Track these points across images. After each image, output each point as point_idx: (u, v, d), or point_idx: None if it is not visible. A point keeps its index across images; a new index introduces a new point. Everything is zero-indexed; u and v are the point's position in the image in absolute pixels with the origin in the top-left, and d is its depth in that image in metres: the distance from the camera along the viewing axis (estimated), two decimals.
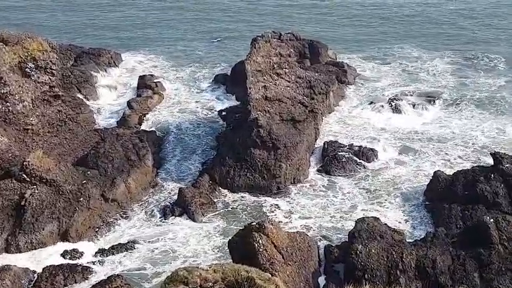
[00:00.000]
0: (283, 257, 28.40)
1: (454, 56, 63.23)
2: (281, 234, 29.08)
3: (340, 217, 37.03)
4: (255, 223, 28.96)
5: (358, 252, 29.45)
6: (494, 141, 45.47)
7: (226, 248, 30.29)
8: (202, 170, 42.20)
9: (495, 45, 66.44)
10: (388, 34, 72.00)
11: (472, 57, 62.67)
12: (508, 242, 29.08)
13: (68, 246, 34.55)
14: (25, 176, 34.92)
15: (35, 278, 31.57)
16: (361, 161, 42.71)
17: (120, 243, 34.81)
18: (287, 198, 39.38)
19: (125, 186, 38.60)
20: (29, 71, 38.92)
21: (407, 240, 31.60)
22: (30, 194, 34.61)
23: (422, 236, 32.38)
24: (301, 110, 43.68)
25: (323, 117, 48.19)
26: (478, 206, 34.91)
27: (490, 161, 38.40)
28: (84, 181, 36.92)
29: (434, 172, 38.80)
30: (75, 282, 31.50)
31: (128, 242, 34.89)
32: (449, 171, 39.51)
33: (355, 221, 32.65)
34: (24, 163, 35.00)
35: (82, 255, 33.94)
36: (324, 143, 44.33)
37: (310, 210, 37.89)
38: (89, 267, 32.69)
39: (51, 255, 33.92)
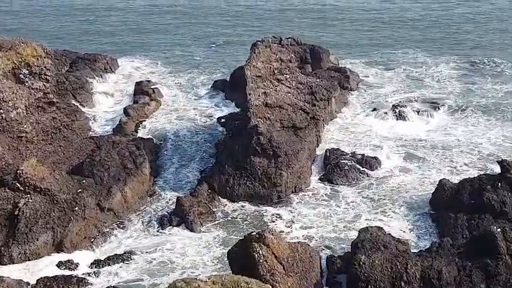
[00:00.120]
0: (284, 268, 28.41)
1: (460, 61, 63.49)
2: (282, 245, 29.10)
3: (344, 227, 37.03)
4: (255, 233, 28.98)
5: (361, 263, 29.44)
6: (501, 148, 45.57)
7: (226, 258, 30.31)
8: (200, 179, 42.25)
9: (502, 50, 66.75)
10: (391, 39, 72.30)
11: (478, 62, 62.95)
12: None
13: (63, 257, 34.53)
14: (19, 185, 34.94)
15: None
16: (364, 169, 42.79)
17: (116, 254, 34.79)
18: (288, 207, 39.42)
19: (121, 195, 38.64)
20: (22, 77, 39.08)
21: (412, 251, 31.57)
22: (24, 203, 34.63)
23: (428, 246, 32.34)
24: (303, 116, 43.78)
25: (325, 124, 48.30)
26: (485, 215, 34.92)
27: (497, 169, 38.48)
28: (80, 190, 36.96)
29: (440, 180, 38.85)
30: None
31: (125, 253, 34.87)
32: (455, 179, 39.60)
33: (358, 231, 32.65)
34: (18, 171, 35.03)
35: (77, 266, 33.92)
36: (326, 151, 44.43)
37: (312, 220, 37.91)
38: (85, 278, 32.63)
39: (46, 266, 33.87)
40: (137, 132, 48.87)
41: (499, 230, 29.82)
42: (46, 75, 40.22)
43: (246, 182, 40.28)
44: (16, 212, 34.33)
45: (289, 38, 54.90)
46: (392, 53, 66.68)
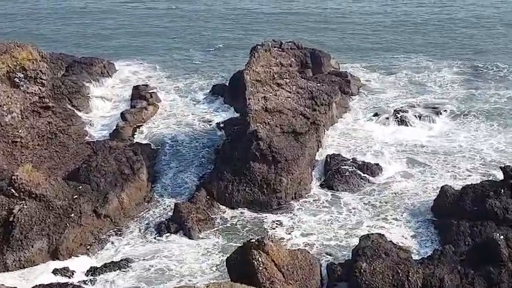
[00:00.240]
0: (283, 276, 28.48)
1: (463, 66, 63.59)
2: (282, 252, 29.18)
3: (345, 234, 37.08)
4: (254, 240, 29.06)
5: (362, 270, 29.54)
6: (503, 154, 45.65)
7: (225, 266, 30.37)
8: (199, 185, 42.29)
9: (505, 55, 66.82)
10: (393, 43, 72.45)
11: (481, 67, 62.99)
12: None
13: (59, 264, 34.59)
14: (13, 191, 34.99)
15: None
16: (365, 175, 42.85)
17: (113, 261, 34.82)
18: (288, 213, 39.46)
19: (118, 201, 38.68)
20: (18, 81, 39.24)
21: (413, 258, 31.69)
22: (19, 210, 34.67)
23: (430, 254, 32.48)
24: (303, 122, 43.90)
25: (325, 130, 48.37)
26: (488, 222, 34.94)
27: (500, 175, 38.60)
28: (76, 196, 37.03)
29: (442, 187, 38.93)
30: None
31: (121, 260, 34.88)
32: (457, 185, 39.70)
33: (359, 238, 32.76)
34: (13, 177, 35.10)
35: (73, 273, 33.94)
36: (327, 157, 44.50)
37: (313, 227, 37.96)
38: (80, 286, 32.59)
39: (41, 273, 33.90)
40: (134, 138, 48.95)
41: (501, 237, 29.96)
42: (42, 79, 40.41)
43: (245, 188, 40.34)
44: (11, 219, 34.35)
45: (289, 42, 55.15)
46: (394, 57, 66.81)
